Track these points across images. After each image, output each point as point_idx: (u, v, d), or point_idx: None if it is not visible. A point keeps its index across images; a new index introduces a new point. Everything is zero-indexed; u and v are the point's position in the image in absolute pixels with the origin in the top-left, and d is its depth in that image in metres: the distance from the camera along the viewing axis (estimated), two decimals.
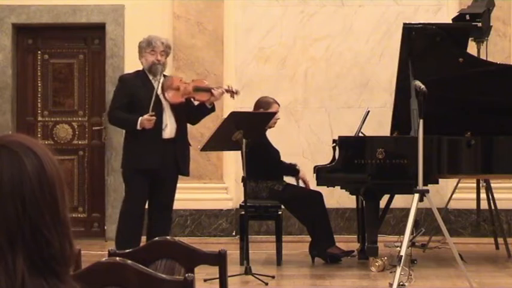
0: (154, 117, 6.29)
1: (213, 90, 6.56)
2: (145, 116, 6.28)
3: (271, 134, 7.38)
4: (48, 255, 1.40)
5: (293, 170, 7.29)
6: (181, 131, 6.51)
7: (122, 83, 6.64)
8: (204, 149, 6.96)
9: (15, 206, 1.38)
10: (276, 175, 7.21)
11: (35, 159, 1.41)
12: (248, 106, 8.57)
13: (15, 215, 1.38)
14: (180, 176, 6.68)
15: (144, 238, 6.45)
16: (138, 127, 6.29)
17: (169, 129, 6.42)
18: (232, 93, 6.76)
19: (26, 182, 1.39)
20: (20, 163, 1.40)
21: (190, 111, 6.63)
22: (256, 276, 6.29)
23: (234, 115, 6.63)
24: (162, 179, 6.42)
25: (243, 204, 6.75)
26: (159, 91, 6.45)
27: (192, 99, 6.63)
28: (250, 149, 7.00)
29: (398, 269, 5.64)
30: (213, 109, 6.69)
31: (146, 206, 6.53)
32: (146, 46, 6.52)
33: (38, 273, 1.39)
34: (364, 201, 7.01)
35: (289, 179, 7.32)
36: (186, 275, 2.18)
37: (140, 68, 6.64)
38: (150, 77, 6.50)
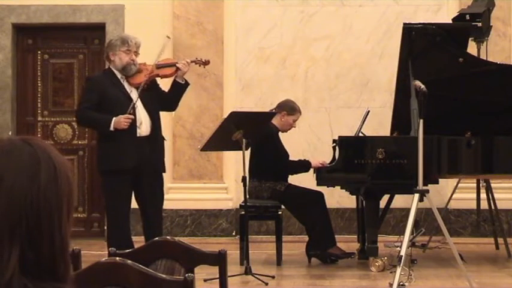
0: (132, 117, 6.13)
1: (177, 64, 6.43)
2: (122, 116, 6.11)
3: None
4: (39, 259, 1.40)
5: (305, 165, 7.18)
6: (155, 128, 6.34)
7: (90, 82, 6.46)
8: (204, 149, 6.95)
9: (21, 202, 1.40)
10: (280, 177, 7.20)
11: (52, 168, 1.44)
12: (248, 106, 8.59)
13: (18, 211, 1.39)
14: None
15: (140, 238, 6.39)
16: (112, 128, 6.12)
17: (144, 126, 6.25)
18: (202, 63, 6.64)
19: (36, 184, 1.41)
20: (37, 165, 1.43)
21: (165, 96, 6.47)
22: (256, 276, 6.29)
23: (234, 115, 6.63)
24: (144, 178, 6.25)
25: (243, 204, 6.75)
26: (125, 84, 6.31)
27: (158, 77, 6.44)
28: (259, 147, 7.02)
29: (398, 269, 5.64)
30: (187, 83, 6.49)
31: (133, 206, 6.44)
32: (121, 44, 6.33)
33: (26, 275, 1.39)
34: (364, 201, 7.01)
35: (289, 180, 7.31)
36: (186, 275, 2.18)
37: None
38: (119, 76, 6.32)
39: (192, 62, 6.56)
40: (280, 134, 7.33)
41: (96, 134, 6.48)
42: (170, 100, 6.51)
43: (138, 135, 6.22)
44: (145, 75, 6.31)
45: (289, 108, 7.28)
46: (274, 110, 7.28)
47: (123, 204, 6.26)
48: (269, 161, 7.11)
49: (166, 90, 6.54)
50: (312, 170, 7.13)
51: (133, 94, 6.30)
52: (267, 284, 6.19)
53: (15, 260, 1.38)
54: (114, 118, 6.13)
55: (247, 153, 6.65)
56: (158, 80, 6.55)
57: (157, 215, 6.46)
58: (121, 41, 6.39)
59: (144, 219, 6.38)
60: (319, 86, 8.84)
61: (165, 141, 6.54)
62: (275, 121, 7.24)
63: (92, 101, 6.24)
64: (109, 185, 6.29)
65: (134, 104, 6.20)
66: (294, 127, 7.37)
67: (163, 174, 6.49)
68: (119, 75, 6.34)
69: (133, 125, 6.17)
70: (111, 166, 6.20)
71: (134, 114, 6.19)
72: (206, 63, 6.70)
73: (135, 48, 6.38)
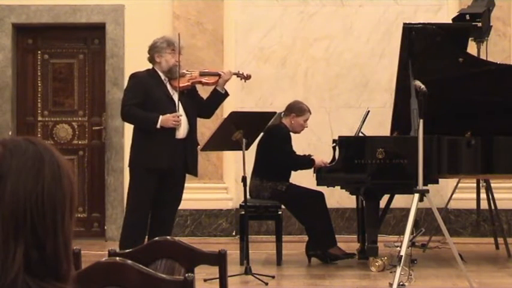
0: (180, 115, 6.22)
1: (220, 72, 6.54)
2: (171, 115, 6.19)
3: None
4: (43, 258, 1.41)
5: (309, 162, 7.14)
6: (191, 131, 6.42)
7: (135, 80, 6.43)
8: (204, 149, 6.95)
9: (26, 200, 1.40)
10: (282, 177, 7.19)
11: (56, 167, 1.45)
12: (248, 106, 8.59)
13: (23, 210, 1.40)
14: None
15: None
16: (158, 126, 6.20)
17: (182, 129, 6.32)
18: (243, 76, 6.72)
19: (40, 183, 1.42)
20: (41, 164, 1.44)
21: (203, 103, 6.56)
22: (256, 276, 6.29)
23: (234, 115, 6.63)
24: (170, 179, 6.33)
25: (243, 204, 6.75)
26: (170, 88, 6.38)
27: (200, 84, 6.53)
28: (268, 146, 7.02)
29: (398, 269, 5.64)
30: (226, 94, 6.60)
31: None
32: (167, 46, 6.37)
33: (29, 274, 1.39)
34: (364, 201, 7.01)
35: (290, 180, 7.30)
36: (186, 275, 2.18)
37: (143, 68, 6.51)
38: (162, 77, 6.38)
39: (234, 74, 6.64)
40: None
41: (133, 131, 6.48)
42: (208, 107, 6.61)
43: (176, 137, 6.29)
44: (188, 79, 6.41)
45: (297, 110, 7.26)
46: (282, 114, 7.26)
47: (146, 204, 6.31)
48: (276, 160, 7.10)
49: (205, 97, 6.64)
50: (312, 169, 7.12)
51: (175, 96, 6.36)
52: (267, 284, 6.19)
53: (20, 259, 1.38)
54: (161, 116, 6.19)
55: (248, 153, 6.65)
56: (199, 87, 6.63)
57: (171, 218, 6.52)
58: (167, 43, 6.41)
59: (155, 220, 6.39)
60: (319, 86, 8.84)
61: (198, 147, 6.60)
62: (287, 123, 7.22)
63: (138, 98, 6.30)
64: (138, 182, 6.34)
65: (178, 105, 6.28)
66: (306, 127, 7.33)
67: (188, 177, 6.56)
68: (162, 77, 6.39)
69: (173, 127, 6.25)
70: (146, 164, 6.27)
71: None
72: (248, 77, 6.77)
73: (180, 50, 6.41)
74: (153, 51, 6.45)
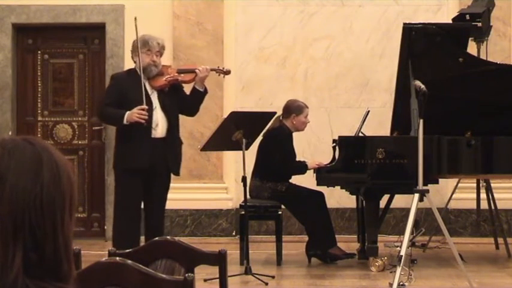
0: (145, 108, 6.10)
1: (196, 70, 6.42)
2: (135, 109, 6.11)
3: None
4: (42, 259, 1.40)
5: (303, 167, 7.15)
6: (172, 130, 6.35)
7: (114, 81, 6.47)
8: (204, 149, 6.95)
9: (24, 201, 1.40)
10: (282, 178, 7.18)
11: (55, 168, 1.45)
12: (248, 106, 8.59)
13: (22, 210, 1.40)
14: (181, 176, 6.64)
15: (142, 238, 6.40)
16: (125, 122, 6.13)
17: (160, 128, 6.26)
18: (222, 72, 6.66)
19: (39, 184, 1.42)
20: (39, 165, 1.43)
21: (185, 102, 6.47)
22: (256, 276, 6.29)
23: (234, 115, 6.63)
24: (153, 179, 6.27)
25: (243, 204, 6.75)
26: (147, 85, 6.32)
27: (178, 82, 6.44)
28: (269, 147, 7.02)
29: (398, 269, 5.64)
30: (205, 91, 6.48)
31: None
32: (142, 46, 6.31)
33: (29, 275, 1.39)
34: (364, 201, 7.01)
35: (291, 179, 7.30)
36: (186, 275, 2.18)
37: (132, 66, 6.51)
38: (142, 77, 6.29)
39: (212, 70, 6.56)
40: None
41: (115, 135, 6.49)
42: (189, 105, 6.51)
43: (152, 136, 6.23)
44: (165, 79, 6.34)
45: (296, 109, 7.26)
46: (281, 117, 7.25)
47: (132, 204, 6.26)
48: (276, 162, 7.09)
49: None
50: (311, 169, 7.13)
51: (154, 96, 6.32)
52: (267, 284, 6.19)
53: (19, 260, 1.38)
54: (127, 112, 6.13)
55: (248, 153, 6.65)
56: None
57: (161, 217, 6.47)
58: (142, 42, 6.35)
59: (148, 220, 6.38)
60: (319, 86, 8.84)
61: (182, 145, 6.53)
62: (288, 124, 7.21)
63: (112, 98, 6.27)
64: (121, 184, 6.33)
65: (153, 107, 6.22)
66: (308, 122, 7.33)
67: (176, 176, 6.50)
68: (141, 76, 6.33)
69: (149, 126, 6.18)
70: (126, 165, 6.24)
71: (151, 115, 6.20)
72: (227, 72, 6.70)
73: (158, 49, 6.36)
74: (131, 50, 6.47)
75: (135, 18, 6.38)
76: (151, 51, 6.34)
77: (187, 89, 6.56)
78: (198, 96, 6.47)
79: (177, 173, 6.45)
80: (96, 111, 6.55)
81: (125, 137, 6.27)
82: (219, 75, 6.75)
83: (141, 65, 6.26)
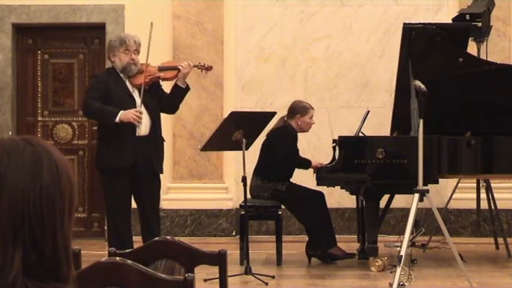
0: (141, 111, 6.12)
1: (179, 66, 6.39)
2: (132, 110, 6.11)
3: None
4: (42, 259, 1.40)
5: (307, 163, 7.15)
6: (155, 128, 6.32)
7: (95, 79, 6.46)
8: (204, 149, 6.95)
9: (24, 201, 1.40)
10: (283, 177, 7.18)
11: (54, 168, 1.44)
12: (248, 106, 8.59)
13: (21, 211, 1.39)
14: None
15: (139, 239, 6.35)
16: (117, 120, 6.10)
17: (143, 126, 6.22)
18: (204, 68, 6.63)
19: (38, 184, 1.41)
20: (39, 165, 1.43)
21: (166, 98, 6.44)
22: (256, 276, 6.29)
23: (234, 115, 6.63)
24: (141, 178, 6.24)
25: (243, 204, 6.75)
26: (128, 84, 6.31)
27: (160, 80, 6.41)
28: (274, 146, 7.02)
29: (398, 269, 5.64)
30: (187, 88, 6.45)
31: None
32: (119, 45, 6.29)
33: (28, 276, 1.39)
34: (364, 201, 7.01)
35: (291, 179, 7.30)
36: (186, 275, 2.18)
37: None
38: (121, 75, 6.31)
39: (194, 66, 6.54)
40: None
41: (96, 133, 6.44)
42: (170, 103, 6.47)
43: (137, 134, 6.20)
44: (146, 76, 6.28)
45: (301, 110, 7.25)
46: (286, 117, 7.25)
47: (121, 204, 6.23)
48: (281, 156, 7.08)
49: (168, 91, 6.52)
50: (311, 169, 7.13)
51: (135, 94, 6.31)
52: (267, 284, 6.19)
53: (18, 261, 1.38)
54: (121, 111, 6.11)
55: (248, 153, 6.65)
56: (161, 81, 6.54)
57: (156, 216, 6.44)
58: (119, 41, 6.34)
59: (143, 220, 6.36)
60: (319, 86, 8.84)
61: (164, 142, 6.51)
62: (293, 124, 7.21)
63: (98, 93, 6.24)
64: (107, 184, 6.29)
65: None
66: (313, 123, 7.33)
67: (161, 175, 6.46)
68: (121, 75, 6.33)
69: (133, 124, 6.17)
70: (109, 164, 6.20)
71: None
72: (209, 68, 6.67)
73: (135, 47, 6.34)
74: (108, 50, 6.45)
75: (151, 24, 6.38)
76: (130, 50, 6.31)
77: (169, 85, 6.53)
78: (180, 93, 6.45)
79: (160, 172, 6.41)
80: (82, 104, 6.47)
81: (108, 135, 6.22)
82: (201, 71, 6.72)
83: (121, 65, 6.27)
